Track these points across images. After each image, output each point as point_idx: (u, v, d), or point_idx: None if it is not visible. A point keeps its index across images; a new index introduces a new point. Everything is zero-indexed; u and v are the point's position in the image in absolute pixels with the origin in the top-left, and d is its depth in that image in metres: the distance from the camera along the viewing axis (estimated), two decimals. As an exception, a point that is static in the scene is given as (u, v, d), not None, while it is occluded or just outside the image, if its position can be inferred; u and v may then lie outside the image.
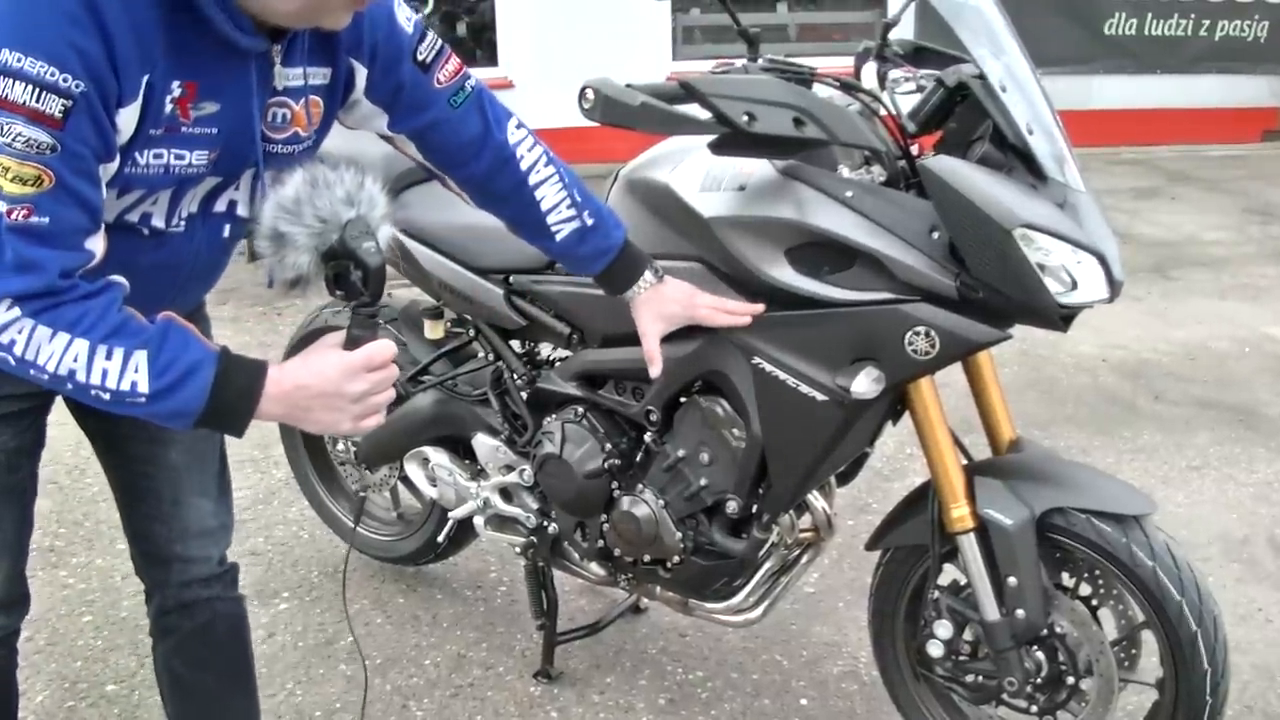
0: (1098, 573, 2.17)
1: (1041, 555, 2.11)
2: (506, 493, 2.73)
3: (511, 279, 2.57)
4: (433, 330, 2.89)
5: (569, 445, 2.48)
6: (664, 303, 2.18)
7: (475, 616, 3.15)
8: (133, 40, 1.39)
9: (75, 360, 1.44)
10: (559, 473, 2.50)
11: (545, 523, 2.66)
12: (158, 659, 2.11)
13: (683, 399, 2.34)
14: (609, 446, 2.45)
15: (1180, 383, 4.76)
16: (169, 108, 1.49)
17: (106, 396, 1.47)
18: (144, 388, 1.47)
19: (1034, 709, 2.23)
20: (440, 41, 1.87)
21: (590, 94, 1.85)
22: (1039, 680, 2.18)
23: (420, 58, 1.83)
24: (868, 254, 1.98)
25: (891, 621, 2.40)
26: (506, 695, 2.79)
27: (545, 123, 9.32)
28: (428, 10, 9.57)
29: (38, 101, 1.34)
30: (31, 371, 1.45)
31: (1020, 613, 2.11)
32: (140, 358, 1.46)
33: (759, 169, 2.11)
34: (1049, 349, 5.02)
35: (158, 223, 1.62)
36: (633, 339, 2.32)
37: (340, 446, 3.21)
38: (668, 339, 2.25)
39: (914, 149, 2.08)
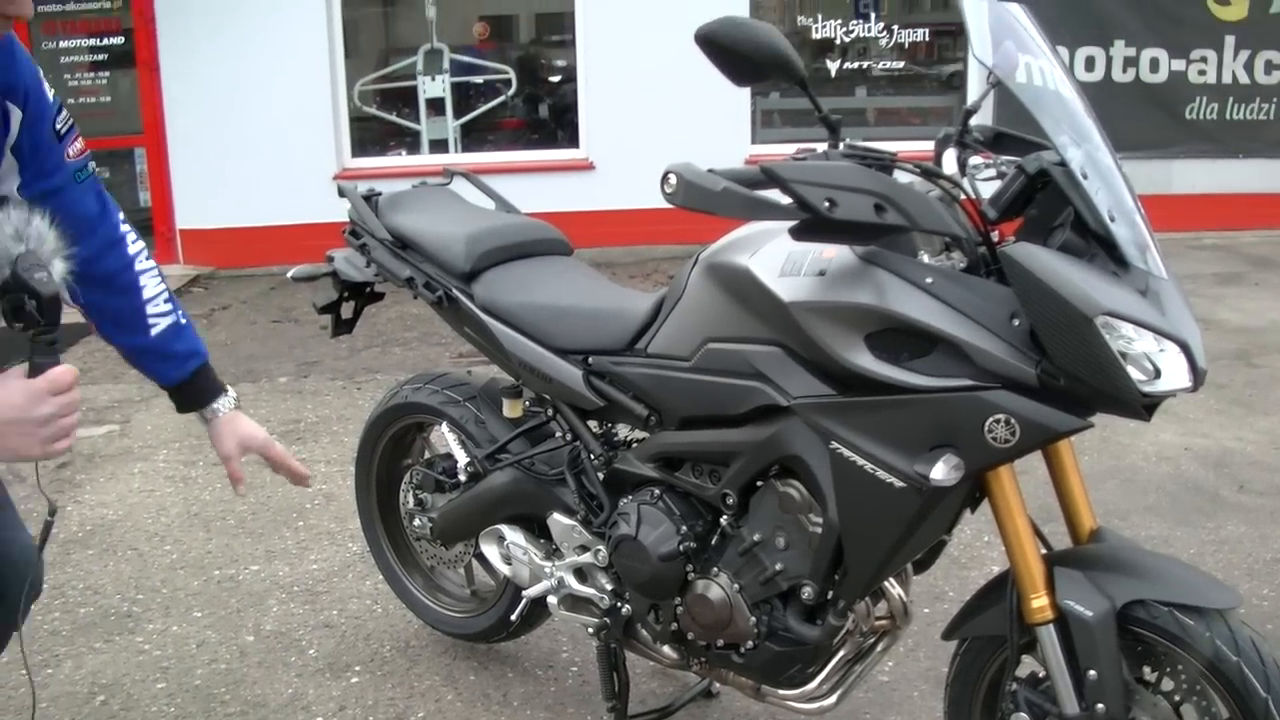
0: (1180, 667, 2.12)
1: (1123, 648, 2.06)
2: (581, 573, 2.73)
3: (590, 359, 2.58)
4: (511, 409, 2.92)
5: (645, 527, 2.48)
6: (245, 427, 2.21)
7: (546, 696, 3.14)
8: None
9: None
10: (634, 554, 2.50)
11: (619, 604, 2.66)
12: None
13: (759, 483, 2.34)
14: (685, 529, 2.45)
15: (1266, 472, 4.67)
16: None
17: None
18: None
19: (1114, 805, 2.18)
20: (72, 120, 1.96)
21: (673, 179, 1.88)
22: (1119, 776, 2.13)
23: (58, 127, 1.92)
24: (948, 340, 1.98)
25: (968, 713, 2.36)
26: (576, 777, 2.78)
27: (625, 204, 9.44)
28: (511, 93, 9.74)
29: None
30: None
31: (1100, 707, 2.07)
32: None
33: (839, 254, 2.12)
34: (1130, 437, 4.95)
35: None
36: (711, 422, 2.33)
37: (417, 523, 3.23)
38: (744, 422, 2.26)
39: (994, 235, 2.08)
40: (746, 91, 8.82)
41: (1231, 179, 9.66)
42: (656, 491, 2.50)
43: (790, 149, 2.15)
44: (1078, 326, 1.85)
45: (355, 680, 3.22)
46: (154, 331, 2.12)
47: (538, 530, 2.86)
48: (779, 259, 2.20)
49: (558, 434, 2.82)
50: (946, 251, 2.11)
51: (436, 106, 9.70)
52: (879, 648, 2.44)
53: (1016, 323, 1.94)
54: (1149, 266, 1.95)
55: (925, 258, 2.07)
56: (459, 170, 3.34)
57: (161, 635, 3.43)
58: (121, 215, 2.10)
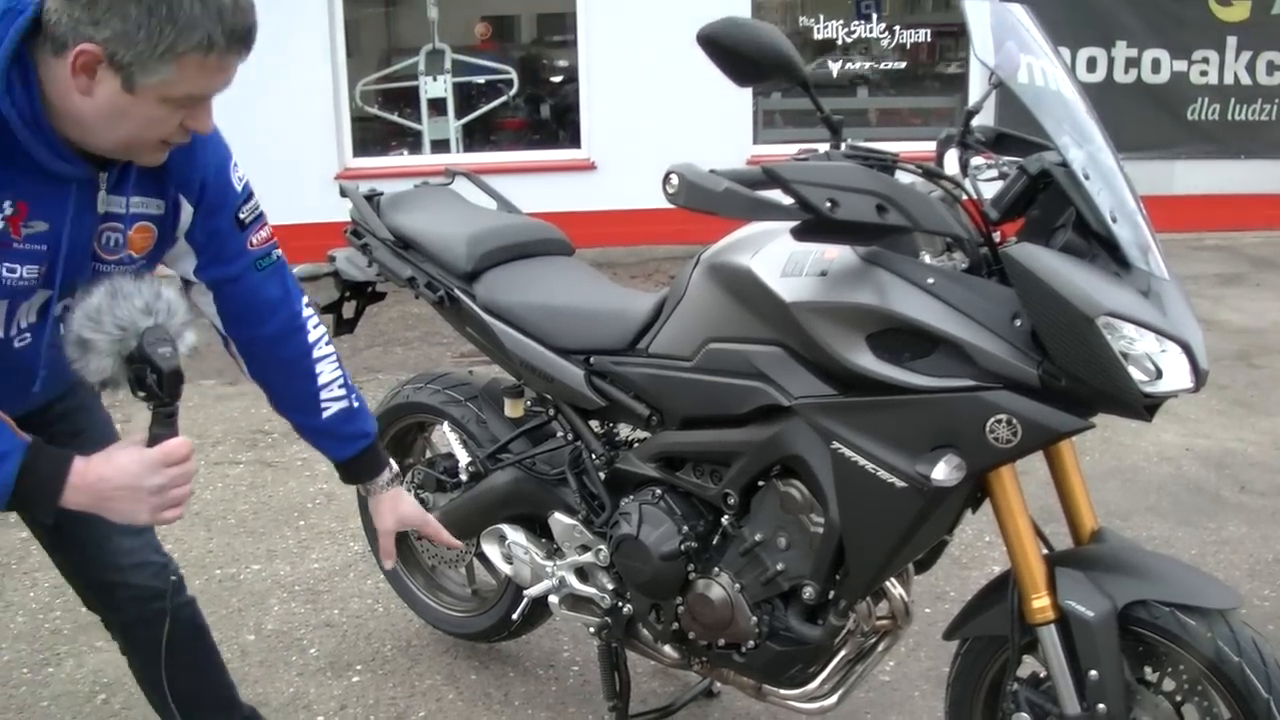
0: (1182, 668, 2.12)
1: (1124, 649, 2.07)
2: (582, 572, 2.74)
3: (592, 359, 2.59)
4: (512, 409, 2.92)
5: (646, 526, 2.48)
6: (403, 503, 2.31)
7: (547, 695, 3.14)
8: None
9: None
10: (635, 554, 2.50)
11: (620, 603, 2.66)
12: (135, 672, 2.33)
13: (761, 483, 2.34)
14: (686, 529, 2.45)
15: (1267, 473, 4.66)
16: (0, 225, 1.62)
17: None
18: None
19: (1115, 805, 2.18)
20: (260, 209, 2.01)
21: (675, 180, 1.88)
22: (1120, 777, 2.13)
23: (241, 216, 1.96)
24: (949, 341, 1.98)
25: (969, 713, 2.36)
26: (578, 776, 2.78)
27: (626, 204, 9.41)
28: (513, 93, 9.74)
29: None
30: None
31: (1101, 707, 2.07)
32: None
33: (841, 255, 2.12)
34: (1131, 437, 4.95)
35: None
36: (712, 422, 2.33)
37: (418, 521, 3.23)
38: (746, 422, 2.26)
39: (996, 236, 2.08)
40: (748, 92, 8.82)
41: (1233, 180, 9.65)
42: (658, 491, 2.51)
43: (792, 149, 2.15)
44: (1079, 327, 1.85)
45: (356, 679, 3.22)
46: (325, 415, 2.16)
47: (539, 530, 2.86)
48: (780, 259, 2.20)
49: (559, 434, 2.82)
50: (948, 252, 2.11)
51: (438, 106, 9.70)
52: (880, 648, 2.45)
53: (1018, 323, 1.94)
54: (1150, 267, 1.95)
55: (927, 258, 2.08)
56: (461, 170, 3.34)
57: (162, 634, 3.43)
58: (305, 300, 2.13)
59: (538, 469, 2.83)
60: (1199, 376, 1.90)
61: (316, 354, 2.13)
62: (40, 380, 1.89)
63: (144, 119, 1.61)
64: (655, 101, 8.88)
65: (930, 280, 2.01)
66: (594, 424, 2.72)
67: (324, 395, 2.14)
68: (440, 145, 9.72)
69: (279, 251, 2.07)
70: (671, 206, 1.93)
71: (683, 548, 2.44)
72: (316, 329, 2.14)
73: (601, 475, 2.65)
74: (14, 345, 1.79)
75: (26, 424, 1.77)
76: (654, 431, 2.52)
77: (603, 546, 2.63)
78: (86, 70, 1.55)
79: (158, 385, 1.66)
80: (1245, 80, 9.52)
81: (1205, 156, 9.63)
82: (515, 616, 3.06)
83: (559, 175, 9.24)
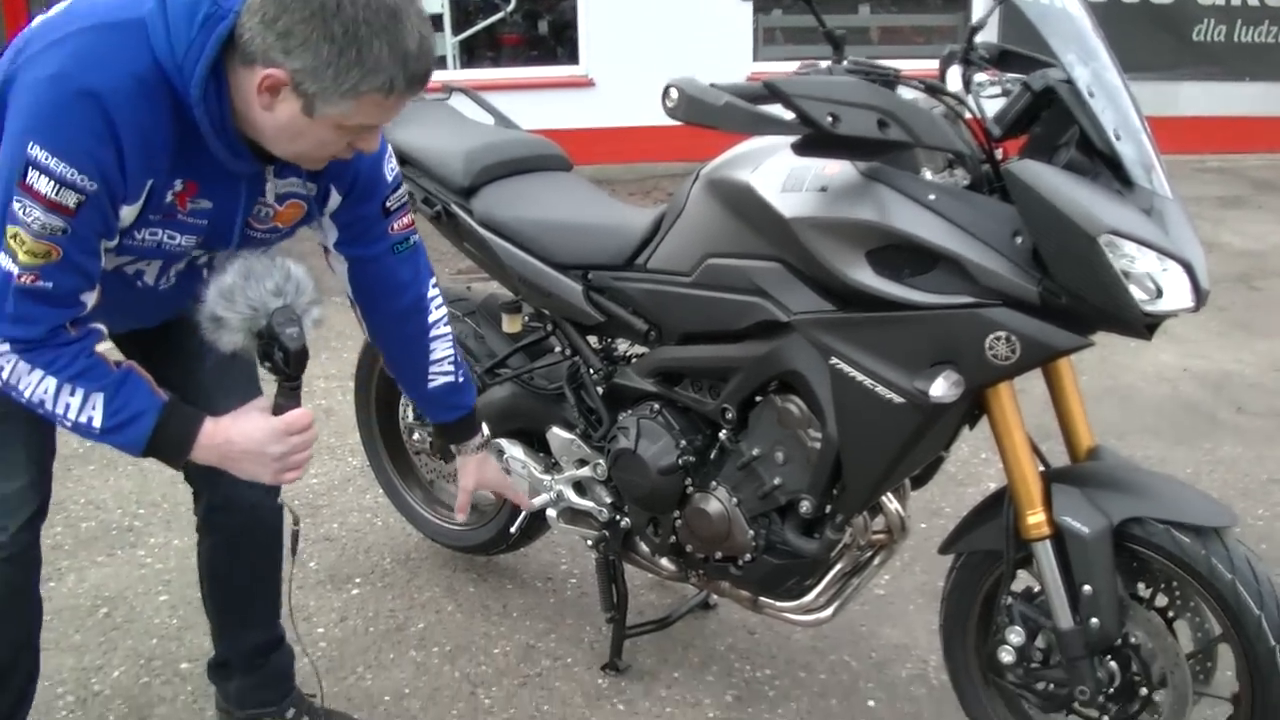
0: (1175, 584, 2.14)
1: (1118, 565, 2.08)
2: (580, 486, 2.75)
3: (590, 275, 2.58)
4: (510, 324, 2.92)
5: (644, 441, 2.49)
6: (487, 467, 2.49)
7: (545, 608, 3.17)
8: (142, 155, 1.66)
9: (45, 393, 1.74)
10: (633, 468, 2.51)
11: (618, 517, 2.68)
12: (201, 553, 2.42)
13: (759, 398, 2.35)
14: (684, 443, 2.46)
15: (1264, 394, 4.68)
16: (169, 199, 1.76)
17: (68, 425, 1.77)
18: (98, 423, 1.76)
19: (1105, 719, 2.21)
20: (406, 197, 2.15)
21: (674, 93, 1.87)
22: (1111, 691, 2.16)
23: (388, 205, 2.09)
24: (949, 257, 1.97)
25: (963, 626, 2.38)
26: (574, 686, 2.81)
27: (625, 121, 9.34)
28: (510, 9, 9.63)
29: (56, 194, 1.62)
30: (11, 393, 1.75)
31: (1095, 622, 2.09)
32: (98, 398, 1.76)
33: (841, 170, 2.11)
34: (1129, 357, 4.95)
35: (149, 280, 1.93)
36: (711, 337, 2.34)
37: (416, 436, 3.24)
38: (744, 338, 2.26)
39: (998, 153, 2.07)
40: (748, 8, 8.73)
41: (1237, 102, 9.57)
42: (656, 406, 2.51)
43: (792, 67, 2.13)
44: (1081, 245, 1.84)
45: (356, 592, 3.25)
46: (430, 386, 2.31)
47: (537, 444, 2.88)
48: (781, 175, 2.19)
49: (557, 349, 2.82)
50: (950, 169, 2.10)
51: (435, 22, 9.55)
52: (876, 562, 2.47)
53: (1019, 240, 1.93)
54: (1154, 186, 1.94)
55: (928, 174, 2.06)
56: (458, 86, 3.31)
57: (163, 549, 3.45)
58: (433, 282, 2.26)
59: (535, 384, 2.84)
60: (1200, 296, 1.90)
61: (433, 334, 2.26)
62: (166, 312, 2.07)
63: (317, 140, 1.72)
64: (654, 18, 8.77)
65: (931, 196, 2.00)
66: (592, 339, 2.72)
67: (433, 370, 2.29)
68: (437, 61, 9.58)
69: (417, 236, 2.20)
70: (671, 123, 1.92)
71: (680, 462, 2.46)
72: (438, 310, 2.26)
73: (599, 390, 2.66)
74: (159, 289, 1.96)
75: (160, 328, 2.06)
76: (652, 347, 2.53)
77: (600, 461, 2.64)
78: (271, 91, 1.65)
79: (284, 362, 1.82)
80: (1253, 1, 9.41)
81: (1210, 78, 9.55)
82: (513, 530, 3.08)
83: (557, 92, 9.15)
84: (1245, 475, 3.94)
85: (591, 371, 2.68)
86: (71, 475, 3.95)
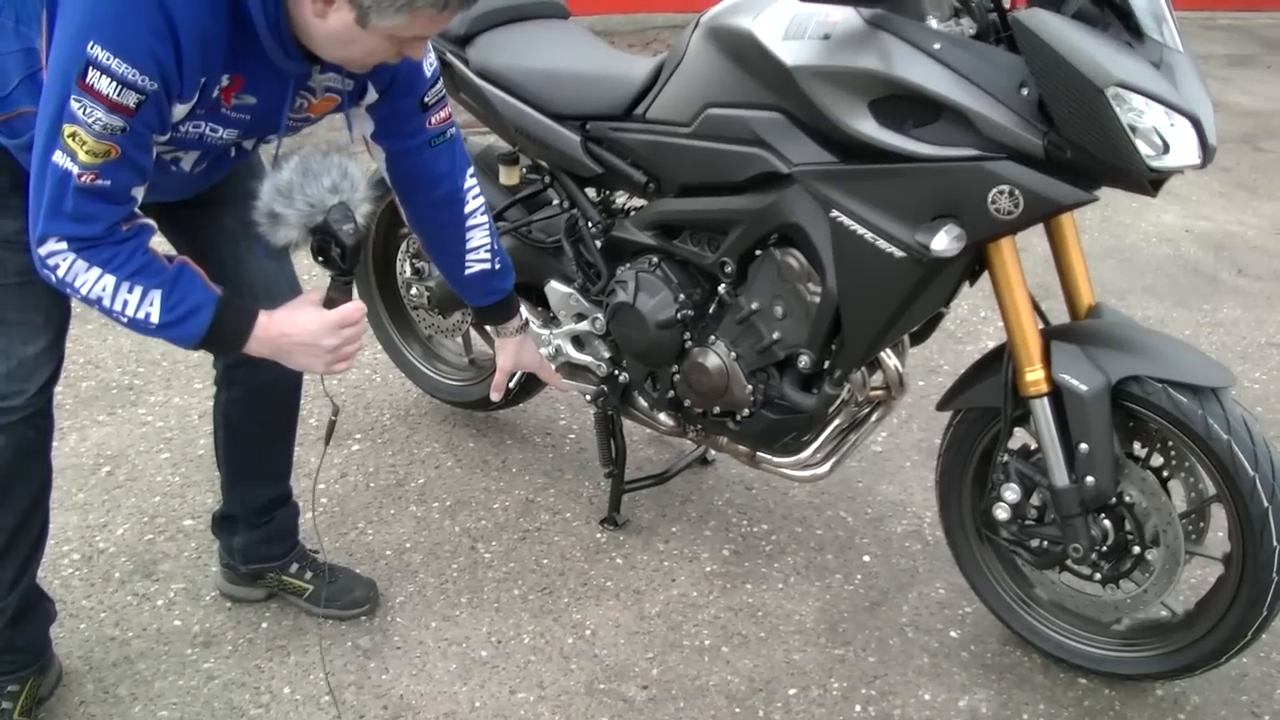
0: (1170, 444, 2.15)
1: (1115, 423, 2.09)
2: (578, 340, 2.74)
3: (588, 125, 2.54)
4: (507, 176, 2.88)
5: (642, 294, 2.48)
6: (525, 350, 2.51)
7: (544, 463, 3.19)
8: (200, 54, 1.67)
9: (103, 290, 1.76)
10: (631, 321, 2.50)
11: (616, 371, 2.68)
12: (217, 405, 2.44)
13: (758, 251, 2.33)
14: (682, 297, 2.45)
15: (1265, 257, 4.66)
16: (215, 93, 1.78)
17: (125, 321, 1.79)
18: (155, 319, 1.80)
19: (1097, 576, 2.24)
20: (444, 91, 2.14)
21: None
22: (1104, 548, 2.18)
23: (425, 100, 2.09)
24: (954, 109, 1.94)
25: (959, 483, 2.40)
26: (573, 541, 2.84)
27: (626, -33, 8.93)
28: None
29: (118, 95, 1.62)
30: (67, 290, 1.78)
31: (1090, 480, 2.10)
32: (155, 294, 1.79)
33: (845, 18, 2.06)
34: (1131, 217, 4.92)
35: (184, 168, 1.97)
36: (710, 189, 2.31)
37: (414, 291, 3.23)
38: (744, 189, 2.24)
39: (1006, 1, 2.02)
40: None
41: (1250, -43, 9.40)
42: (654, 259, 2.49)
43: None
44: (1088, 97, 1.81)
45: (356, 448, 3.26)
46: (466, 273, 2.32)
47: (535, 298, 2.86)
48: (783, 22, 2.14)
49: (555, 201, 2.79)
50: (956, 17, 2.05)
51: None
52: (873, 418, 2.47)
53: (1025, 92, 1.90)
54: (1164, 38, 1.90)
55: (933, 23, 2.01)
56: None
57: (164, 407, 3.46)
58: (470, 172, 2.26)
59: (533, 237, 2.81)
60: (1206, 152, 1.88)
61: (470, 223, 2.27)
62: (203, 188, 2.10)
63: (368, 49, 1.73)
64: None
65: (936, 46, 1.96)
66: (590, 191, 2.69)
67: (469, 258, 2.30)
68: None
69: (455, 129, 2.20)
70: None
71: (679, 315, 2.45)
72: (475, 199, 2.27)
73: (598, 243, 2.64)
74: (192, 173, 2.00)
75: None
76: (651, 199, 2.50)
77: (599, 314, 2.63)
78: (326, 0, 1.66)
79: (340, 258, 1.85)
80: None
81: (1224, -69, 9.36)
82: (512, 385, 3.07)
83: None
84: (1244, 338, 3.94)
85: (590, 224, 2.65)
86: (70, 335, 3.92)
